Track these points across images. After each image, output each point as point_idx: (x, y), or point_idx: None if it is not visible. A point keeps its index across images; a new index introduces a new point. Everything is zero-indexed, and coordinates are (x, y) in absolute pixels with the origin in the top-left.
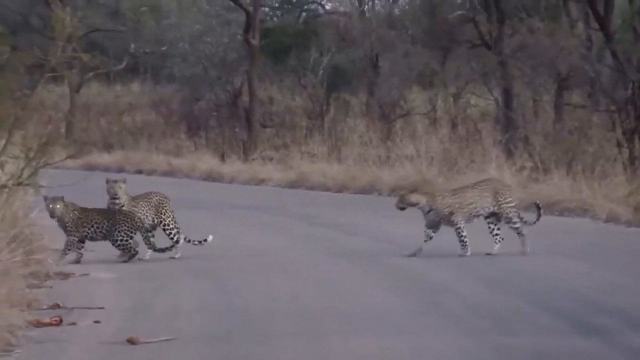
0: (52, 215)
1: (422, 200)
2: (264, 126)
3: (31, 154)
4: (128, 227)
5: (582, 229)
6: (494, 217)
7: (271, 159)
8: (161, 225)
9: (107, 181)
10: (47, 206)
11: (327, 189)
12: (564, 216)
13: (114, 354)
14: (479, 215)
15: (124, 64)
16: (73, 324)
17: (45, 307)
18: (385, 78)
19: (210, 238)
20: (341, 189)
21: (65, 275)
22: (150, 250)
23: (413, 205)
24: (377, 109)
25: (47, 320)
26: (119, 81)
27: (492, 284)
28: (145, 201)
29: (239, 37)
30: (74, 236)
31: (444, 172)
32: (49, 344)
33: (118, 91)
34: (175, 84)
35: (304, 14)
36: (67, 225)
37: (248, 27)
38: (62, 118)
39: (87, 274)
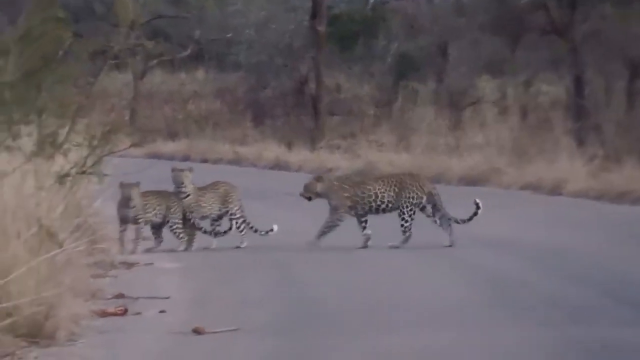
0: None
1: (325, 189)
2: (331, 114)
3: (95, 142)
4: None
5: None
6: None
7: (338, 148)
8: (228, 215)
9: (173, 170)
10: (123, 193)
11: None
12: (636, 206)
13: (179, 344)
14: (379, 210)
15: (188, 51)
16: (138, 313)
17: (109, 296)
18: (454, 66)
19: (275, 228)
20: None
21: (129, 265)
22: (215, 240)
23: (318, 195)
24: (446, 97)
25: (111, 310)
26: (183, 69)
27: (564, 276)
28: (212, 191)
29: (305, 23)
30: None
31: (514, 161)
32: (113, 333)
33: (182, 79)
34: (240, 72)
35: (371, 0)
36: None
37: (315, 14)
38: (126, 106)
39: (151, 264)
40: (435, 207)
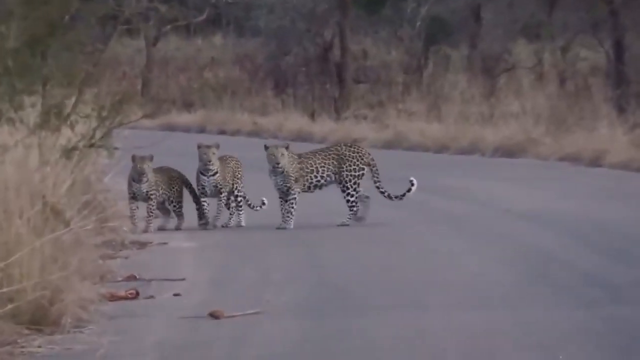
0: (140, 176)
1: (288, 164)
2: (357, 82)
3: (104, 113)
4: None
5: None
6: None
7: (365, 118)
8: (235, 190)
9: (200, 147)
10: (136, 166)
11: (426, 150)
12: None
13: (195, 329)
14: (320, 186)
15: (204, 15)
16: (151, 297)
17: (120, 279)
18: (488, 30)
19: (265, 201)
20: (441, 149)
21: (141, 245)
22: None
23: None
24: (479, 63)
25: (122, 293)
26: (199, 34)
27: (603, 252)
28: (226, 165)
29: None
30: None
31: (551, 131)
32: (124, 319)
33: (198, 45)
34: (260, 37)
35: None
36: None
37: None
38: (138, 74)
39: (165, 243)
40: (375, 182)
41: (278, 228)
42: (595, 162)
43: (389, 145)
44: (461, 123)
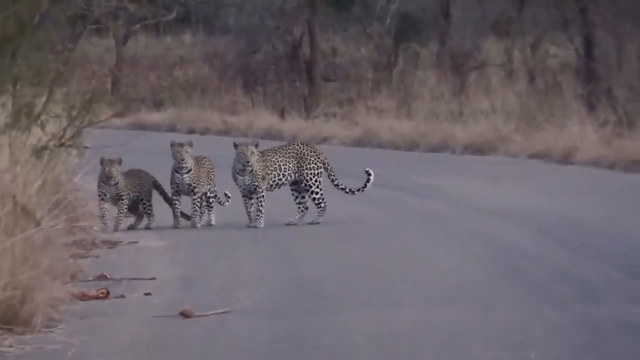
0: (108, 179)
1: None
2: (327, 80)
3: (74, 113)
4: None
5: None
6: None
7: (335, 116)
8: (209, 192)
9: (172, 145)
10: (104, 170)
11: (396, 147)
12: None
13: (166, 329)
14: (281, 185)
15: (173, 14)
16: (121, 296)
17: (90, 278)
18: (457, 27)
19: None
20: (411, 146)
21: (112, 244)
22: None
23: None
24: (449, 61)
25: (93, 292)
26: (168, 33)
27: (575, 249)
28: (201, 166)
29: None
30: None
31: (521, 129)
32: (95, 318)
33: (168, 43)
34: (230, 36)
35: None
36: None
37: None
38: (108, 73)
39: (136, 242)
40: (330, 177)
41: (249, 227)
42: (566, 159)
43: (358, 143)
44: (431, 120)
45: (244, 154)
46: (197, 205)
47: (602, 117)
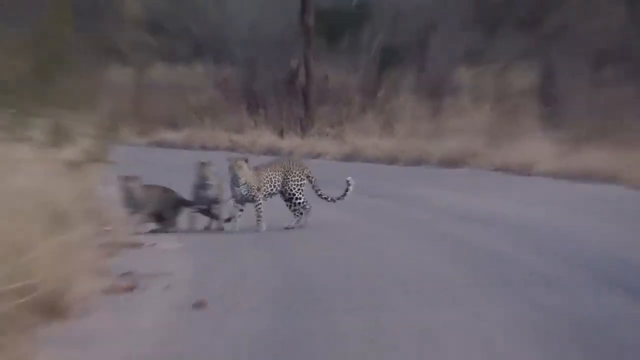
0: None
1: (246, 176)
2: (320, 103)
3: (102, 132)
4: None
5: (615, 196)
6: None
7: (327, 135)
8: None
9: (199, 164)
10: (122, 185)
11: (380, 162)
12: (595, 183)
13: (183, 317)
14: (272, 194)
15: (187, 46)
16: (144, 289)
17: (118, 274)
18: (434, 57)
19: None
20: (392, 161)
21: (135, 246)
22: (215, 222)
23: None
24: (426, 86)
25: (120, 286)
26: (182, 63)
27: (538, 250)
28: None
29: (295, 21)
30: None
31: (488, 145)
32: (122, 308)
33: (182, 72)
34: (236, 65)
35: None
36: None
37: (303, 10)
38: (130, 98)
39: (154, 244)
40: (313, 188)
41: (256, 231)
42: (527, 171)
43: (347, 158)
44: (410, 138)
45: (233, 169)
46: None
47: (558, 135)
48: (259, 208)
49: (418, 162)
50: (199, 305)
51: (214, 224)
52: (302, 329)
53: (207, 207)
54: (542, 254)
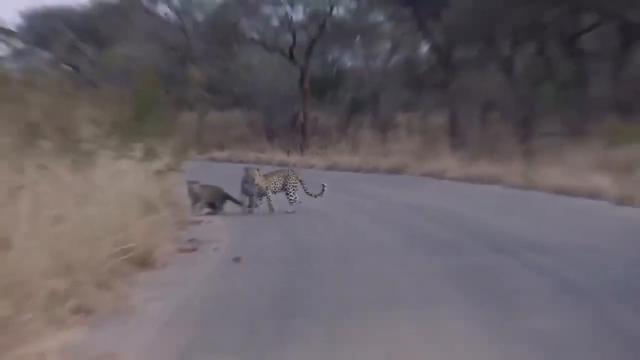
0: (190, 193)
1: (258, 179)
2: (313, 134)
3: (177, 152)
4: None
5: (497, 193)
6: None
7: (317, 154)
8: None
9: (245, 169)
10: (188, 185)
11: (350, 170)
12: (485, 184)
13: (226, 267)
14: (276, 191)
15: (230, 99)
16: (202, 250)
17: (186, 240)
18: (383, 106)
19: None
20: (357, 170)
21: (197, 222)
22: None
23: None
24: (378, 124)
25: (187, 248)
26: (227, 109)
27: (450, 226)
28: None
29: (297, 82)
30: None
31: (416, 160)
32: (188, 262)
33: (226, 115)
34: (260, 111)
35: (335, 68)
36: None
37: (302, 77)
38: (194, 131)
39: (210, 222)
40: (303, 188)
41: (270, 213)
42: (441, 176)
43: (329, 168)
44: (369, 156)
45: (250, 175)
46: (270, 201)
47: (460, 154)
48: (270, 199)
49: (373, 170)
50: (236, 259)
51: (247, 209)
52: (301, 272)
53: (248, 197)
54: (450, 229)
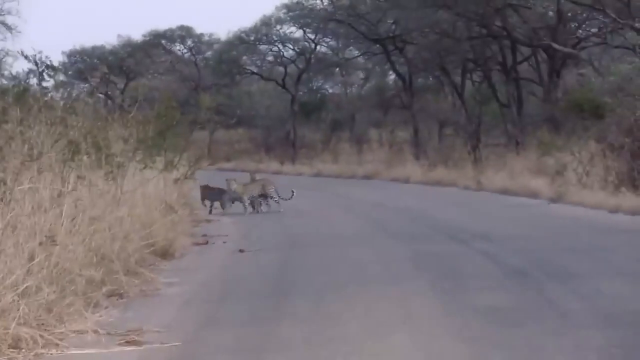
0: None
1: (235, 187)
2: (301, 148)
3: (191, 163)
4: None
5: (453, 193)
6: (263, 196)
7: (305, 164)
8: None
9: (226, 180)
10: (228, 185)
11: (332, 177)
12: (443, 187)
13: (233, 257)
14: (254, 196)
15: (234, 120)
16: (213, 243)
17: (200, 235)
18: (358, 124)
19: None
20: (338, 176)
21: (209, 221)
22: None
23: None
24: (355, 139)
25: (200, 241)
26: (232, 128)
27: (413, 219)
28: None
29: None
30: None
31: (386, 167)
32: (201, 253)
33: (231, 133)
34: (259, 129)
35: (319, 95)
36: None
37: (292, 101)
38: (206, 146)
39: (219, 220)
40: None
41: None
42: (406, 180)
43: (315, 175)
44: (347, 164)
45: (229, 184)
46: (245, 204)
47: (422, 162)
48: (245, 203)
49: (351, 177)
50: (241, 250)
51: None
52: (293, 257)
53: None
54: (413, 222)
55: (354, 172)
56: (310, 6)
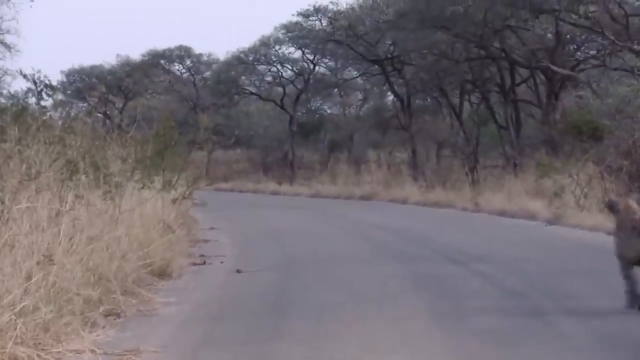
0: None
1: None
2: (300, 168)
3: (189, 183)
4: None
5: (450, 215)
6: None
7: (303, 184)
8: None
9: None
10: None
11: (330, 197)
12: (441, 208)
13: (230, 277)
14: None
15: (233, 140)
16: (210, 263)
17: (197, 256)
18: (357, 145)
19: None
20: (336, 197)
21: (206, 241)
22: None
23: None
24: (353, 159)
25: (198, 261)
26: (230, 148)
27: (408, 240)
28: None
29: (286, 125)
30: None
31: (384, 188)
32: (199, 273)
33: (229, 153)
34: (257, 150)
35: (317, 115)
36: None
37: (290, 122)
38: (204, 166)
39: (217, 240)
40: None
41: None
42: (404, 201)
43: (313, 196)
44: (346, 185)
45: None
46: None
47: (419, 183)
48: None
49: (349, 197)
50: (238, 271)
51: None
52: (291, 277)
53: None
54: (411, 243)
55: (352, 193)
56: (309, 27)
